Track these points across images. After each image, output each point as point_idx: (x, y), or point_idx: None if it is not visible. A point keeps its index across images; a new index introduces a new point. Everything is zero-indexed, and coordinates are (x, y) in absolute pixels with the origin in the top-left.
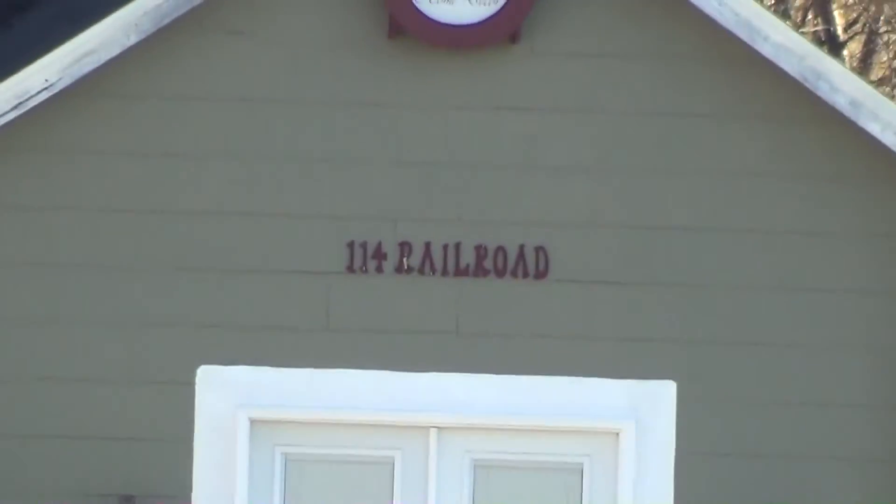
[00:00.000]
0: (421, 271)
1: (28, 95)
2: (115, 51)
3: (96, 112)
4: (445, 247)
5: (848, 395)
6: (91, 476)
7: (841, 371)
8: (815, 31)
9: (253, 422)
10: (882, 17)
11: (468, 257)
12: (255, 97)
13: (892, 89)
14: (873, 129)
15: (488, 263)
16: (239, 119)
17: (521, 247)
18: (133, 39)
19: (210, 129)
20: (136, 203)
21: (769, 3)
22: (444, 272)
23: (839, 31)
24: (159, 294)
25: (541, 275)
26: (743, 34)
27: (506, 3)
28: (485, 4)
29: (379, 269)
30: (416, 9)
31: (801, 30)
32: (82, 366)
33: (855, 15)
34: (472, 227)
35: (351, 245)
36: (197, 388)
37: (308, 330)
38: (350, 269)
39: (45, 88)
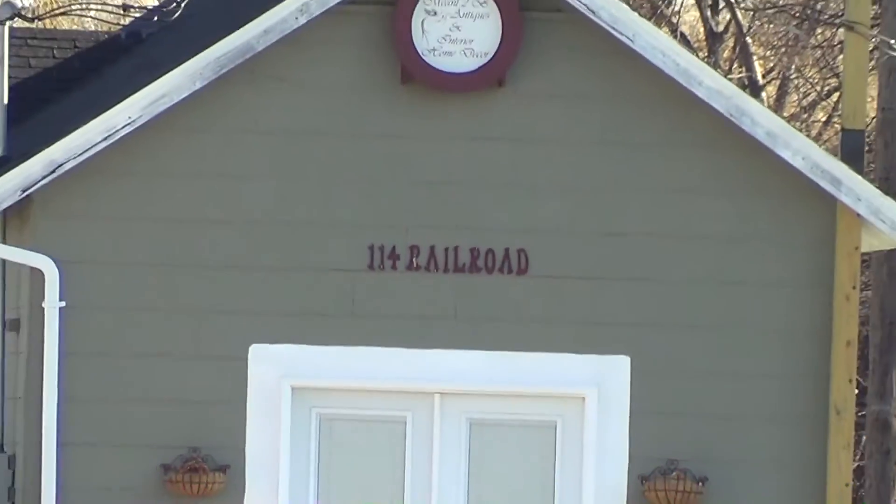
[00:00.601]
0: (427, 268)
1: (115, 129)
2: (184, 94)
3: (169, 143)
4: (446, 249)
5: (765, 367)
6: (165, 431)
7: (760, 348)
8: (739, 77)
9: (294, 388)
10: (793, 66)
11: (464, 257)
12: (295, 130)
13: (801, 124)
14: (786, 155)
15: (480, 262)
16: (282, 147)
17: (507, 249)
18: (198, 85)
19: (259, 155)
20: (202, 214)
21: (703, 55)
22: (446, 269)
23: (759, 76)
24: (219, 287)
25: (522, 271)
26: (682, 80)
27: (494, 56)
28: (477, 56)
29: (394, 267)
30: (423, 60)
31: (728, 76)
32: (158, 344)
33: (771, 64)
34: (467, 233)
35: (371, 248)
36: (249, 362)
37: (338, 315)
38: (371, 266)
39: (128, 124)
